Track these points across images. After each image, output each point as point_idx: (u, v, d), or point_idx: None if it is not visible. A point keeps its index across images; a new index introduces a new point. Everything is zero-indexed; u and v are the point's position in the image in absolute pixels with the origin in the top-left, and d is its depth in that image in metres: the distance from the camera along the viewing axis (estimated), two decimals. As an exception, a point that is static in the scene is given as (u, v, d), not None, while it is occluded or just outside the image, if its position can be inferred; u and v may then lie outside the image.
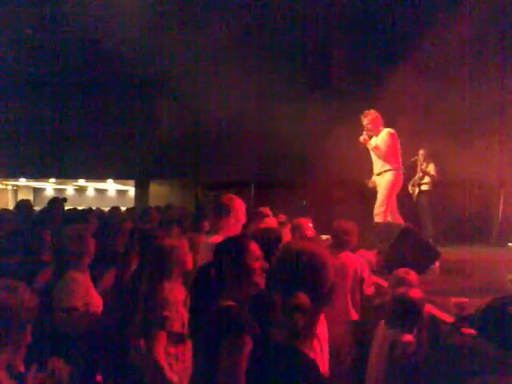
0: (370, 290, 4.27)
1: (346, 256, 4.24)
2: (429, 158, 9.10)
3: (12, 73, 11.82)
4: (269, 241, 2.88)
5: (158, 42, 11.46)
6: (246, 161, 11.38)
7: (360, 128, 6.83)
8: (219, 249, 2.37)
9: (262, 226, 3.89)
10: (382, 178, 6.65)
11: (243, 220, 3.65)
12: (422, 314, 3.21)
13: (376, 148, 6.64)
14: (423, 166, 9.07)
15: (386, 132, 6.68)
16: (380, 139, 6.68)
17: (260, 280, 2.26)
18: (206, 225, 5.01)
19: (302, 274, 1.53)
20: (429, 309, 3.51)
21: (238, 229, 3.57)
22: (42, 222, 5.23)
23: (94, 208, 8.21)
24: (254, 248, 2.31)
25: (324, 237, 6.20)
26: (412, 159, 8.94)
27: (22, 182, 19.26)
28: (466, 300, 3.33)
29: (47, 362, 2.08)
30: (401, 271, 3.63)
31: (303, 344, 1.52)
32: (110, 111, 12.53)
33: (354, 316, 4.16)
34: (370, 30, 10.83)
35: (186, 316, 2.92)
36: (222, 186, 11.31)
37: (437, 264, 5.57)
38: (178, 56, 10.48)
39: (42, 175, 15.66)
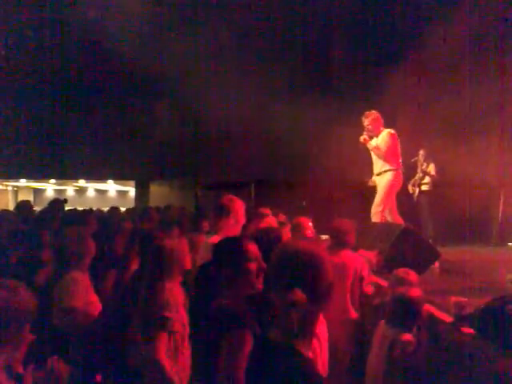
0: (368, 289, 4.27)
1: (347, 255, 4.24)
2: (429, 158, 9.12)
3: (12, 73, 11.84)
4: (269, 241, 2.88)
5: (157, 41, 11.46)
6: (246, 161, 11.38)
7: (360, 128, 6.84)
8: (217, 249, 2.38)
9: (262, 225, 3.91)
10: (382, 178, 6.68)
11: (243, 221, 3.68)
12: (421, 313, 3.22)
13: (376, 148, 6.66)
14: (423, 166, 9.08)
15: (386, 132, 6.70)
16: (380, 139, 6.70)
17: (257, 280, 2.27)
18: (206, 225, 5.03)
19: (298, 273, 1.53)
20: (428, 308, 3.51)
21: (238, 229, 3.59)
22: (42, 222, 5.24)
23: (95, 209, 8.22)
24: (252, 248, 2.32)
25: (324, 237, 6.20)
26: (412, 159, 8.95)
27: (23, 182, 19.27)
28: (466, 300, 3.34)
29: (47, 362, 2.08)
30: (401, 271, 3.65)
31: (302, 343, 1.52)
32: (110, 111, 12.52)
33: (354, 315, 4.17)
34: (369, 30, 10.82)
35: (185, 316, 2.93)
36: (222, 186, 11.30)
37: (437, 264, 5.59)
38: (178, 56, 10.47)
39: (43, 176, 15.68)
